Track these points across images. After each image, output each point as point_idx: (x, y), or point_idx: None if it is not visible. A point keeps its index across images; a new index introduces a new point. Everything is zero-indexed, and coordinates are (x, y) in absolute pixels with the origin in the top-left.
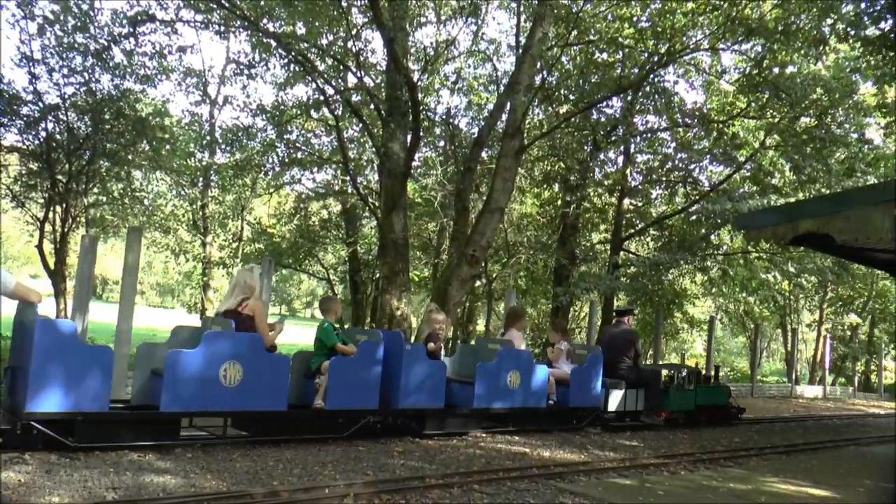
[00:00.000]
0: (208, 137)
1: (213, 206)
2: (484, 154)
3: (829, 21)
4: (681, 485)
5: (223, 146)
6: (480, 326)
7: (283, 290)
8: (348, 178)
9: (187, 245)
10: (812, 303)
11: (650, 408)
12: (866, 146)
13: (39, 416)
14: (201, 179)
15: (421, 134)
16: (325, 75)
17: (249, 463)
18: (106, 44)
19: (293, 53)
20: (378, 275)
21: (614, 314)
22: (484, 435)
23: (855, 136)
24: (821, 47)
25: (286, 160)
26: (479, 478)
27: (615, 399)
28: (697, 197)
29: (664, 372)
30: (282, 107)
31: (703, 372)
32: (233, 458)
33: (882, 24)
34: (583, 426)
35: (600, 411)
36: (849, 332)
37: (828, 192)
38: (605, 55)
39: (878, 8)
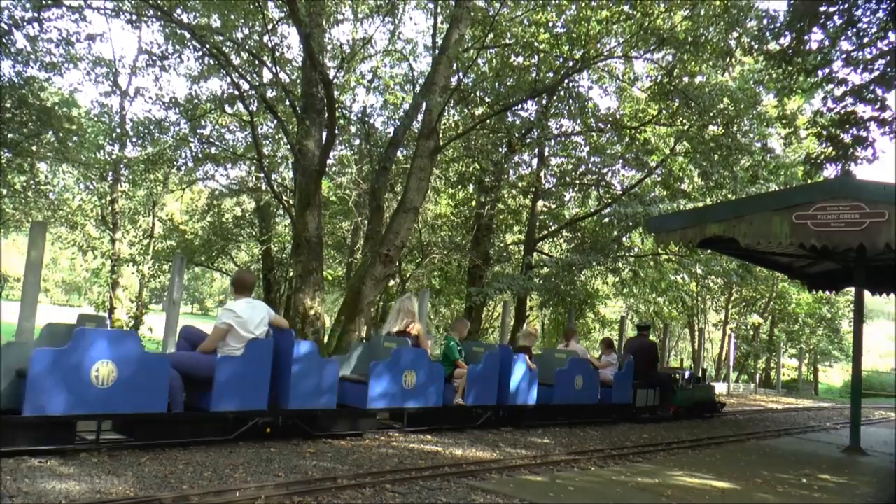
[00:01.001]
0: (118, 130)
1: (123, 201)
2: (399, 154)
3: (736, 34)
4: (591, 480)
5: (134, 139)
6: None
7: (194, 289)
8: (262, 175)
9: (95, 241)
10: (718, 303)
11: (664, 403)
12: (769, 155)
13: None
14: (111, 173)
15: (336, 132)
16: (240, 70)
17: (158, 467)
18: (7, 28)
19: (207, 46)
20: (291, 273)
21: (636, 329)
22: (397, 434)
23: (758, 144)
24: (728, 59)
25: (199, 155)
26: (392, 477)
27: (641, 397)
28: (610, 200)
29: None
30: (195, 100)
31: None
32: (141, 461)
33: (782, 40)
34: (618, 419)
35: (633, 407)
36: (751, 332)
37: (733, 197)
38: (520, 59)
39: (779, 25)
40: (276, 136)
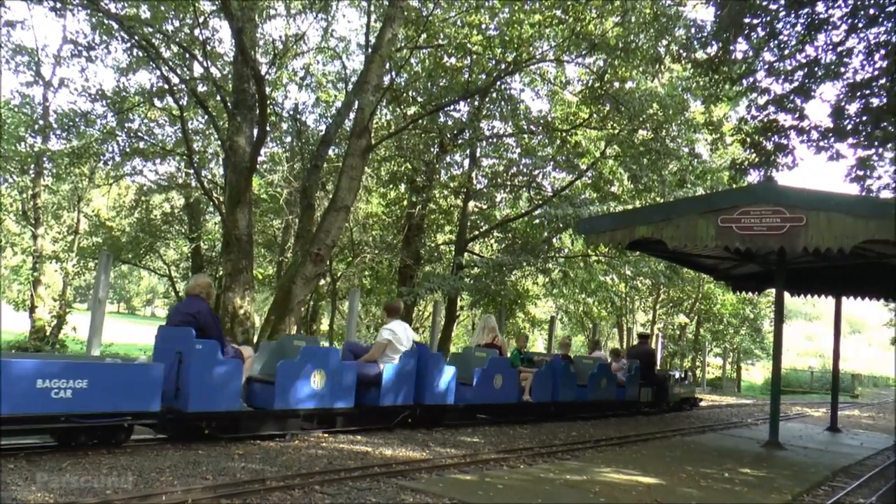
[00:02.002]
0: (41, 122)
1: (46, 195)
2: (331, 152)
3: (665, 42)
4: (519, 478)
5: (58, 132)
6: (324, 325)
7: (121, 287)
8: (192, 171)
9: (15, 237)
10: (646, 304)
11: (661, 399)
12: (696, 160)
13: None
14: (33, 166)
15: (268, 129)
16: (170, 63)
17: (81, 472)
18: None
19: (136, 38)
20: (221, 272)
21: (638, 337)
22: (326, 435)
23: (686, 150)
24: (657, 66)
25: (127, 150)
26: (321, 478)
27: (643, 394)
28: (540, 201)
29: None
30: (123, 93)
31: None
32: (62, 466)
33: (709, 49)
34: (631, 413)
35: (638, 403)
36: (678, 331)
37: (661, 201)
38: (453, 60)
39: (706, 34)
40: (207, 132)
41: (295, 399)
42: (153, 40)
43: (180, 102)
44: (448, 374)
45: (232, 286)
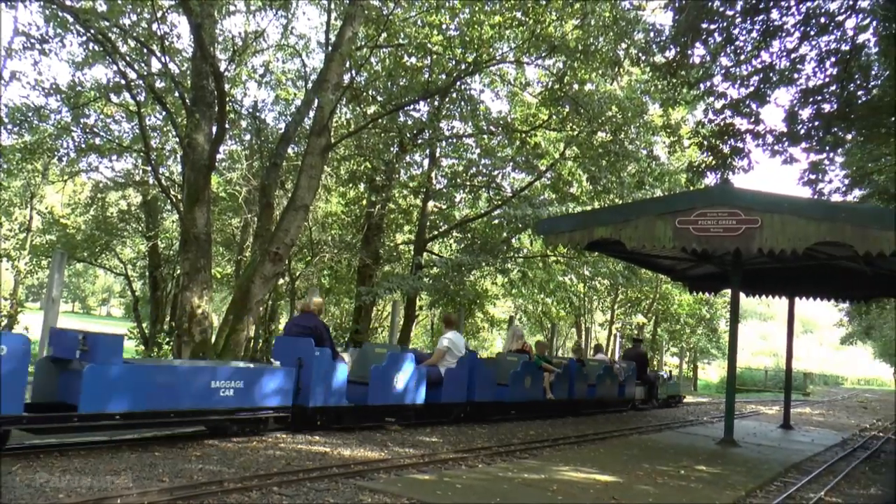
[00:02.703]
0: None
1: None
2: (290, 150)
3: (624, 46)
4: (478, 477)
5: (10, 126)
6: (282, 325)
7: (76, 286)
8: (150, 168)
9: None
10: (604, 304)
11: (652, 397)
12: (654, 162)
13: None
14: None
15: (227, 126)
16: (128, 58)
17: (32, 475)
18: None
19: (92, 31)
20: (179, 271)
21: (633, 341)
22: (285, 436)
23: (644, 152)
24: (616, 69)
25: (82, 146)
26: (279, 479)
27: (638, 392)
28: (500, 202)
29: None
30: (79, 88)
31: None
32: (11, 470)
33: (667, 53)
34: (628, 408)
35: (636, 399)
36: (636, 331)
37: (620, 202)
38: (413, 59)
39: (665, 38)
40: (165, 129)
41: (383, 396)
42: (110, 34)
43: (138, 98)
44: (491, 376)
45: (190, 285)
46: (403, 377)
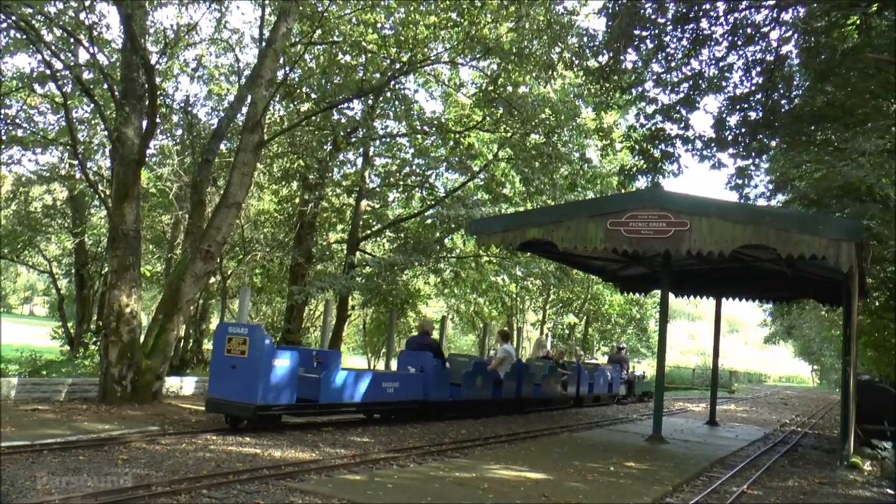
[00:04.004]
0: None
1: None
2: (223, 147)
3: (558, 49)
4: (409, 477)
5: None
6: (213, 325)
7: None
8: (76, 162)
9: None
10: (536, 304)
11: (631, 393)
12: (586, 165)
13: None
14: None
15: (158, 120)
16: (53, 47)
17: None
18: None
19: (14, 18)
20: (107, 269)
21: (617, 348)
22: (215, 437)
23: (577, 154)
24: (549, 72)
25: (3, 137)
26: (209, 482)
27: (621, 389)
28: (433, 202)
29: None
30: None
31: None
32: None
33: (601, 58)
34: (614, 402)
35: (620, 395)
36: (567, 331)
37: (553, 203)
38: (348, 57)
39: (598, 43)
40: (93, 122)
41: (471, 393)
42: (33, 22)
43: (64, 89)
44: (531, 378)
45: (118, 284)
46: (482, 379)
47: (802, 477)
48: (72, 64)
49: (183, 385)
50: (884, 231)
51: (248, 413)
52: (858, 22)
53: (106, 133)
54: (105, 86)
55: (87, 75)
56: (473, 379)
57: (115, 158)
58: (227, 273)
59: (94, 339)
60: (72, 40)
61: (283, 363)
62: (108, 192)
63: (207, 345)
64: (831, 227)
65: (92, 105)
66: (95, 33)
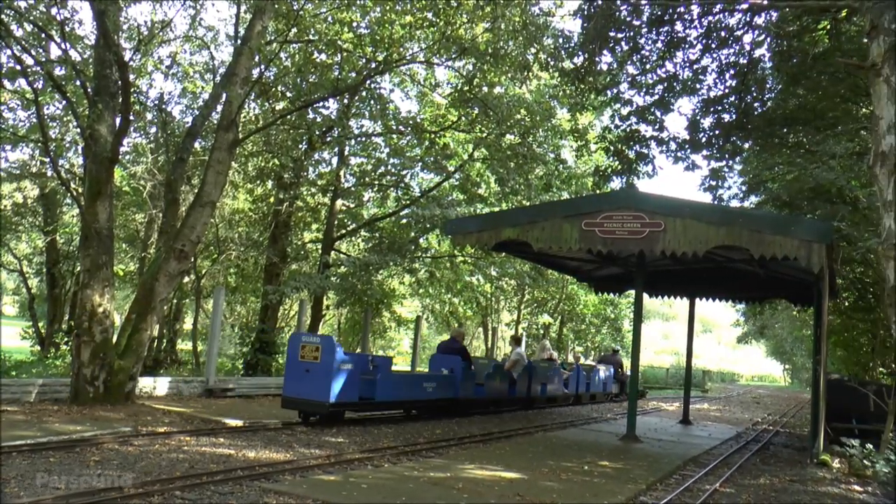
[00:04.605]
0: None
1: None
2: (197, 145)
3: (533, 50)
4: (384, 477)
5: None
6: (188, 324)
7: None
8: (48, 159)
9: None
10: (511, 304)
11: (623, 391)
12: (561, 165)
13: None
14: None
15: (131, 118)
16: (24, 42)
17: None
18: None
19: None
20: (79, 268)
21: (612, 350)
22: (188, 438)
23: (552, 155)
24: (525, 73)
25: None
26: (182, 483)
27: (614, 388)
28: (408, 202)
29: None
30: None
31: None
32: None
33: (576, 59)
34: (607, 399)
35: (613, 393)
36: (542, 331)
37: (528, 204)
38: (323, 56)
39: (573, 45)
40: (65, 119)
41: (493, 392)
42: (2, 17)
43: (35, 86)
44: (539, 378)
45: (91, 283)
46: (500, 379)
47: (773, 475)
48: (43, 60)
49: (156, 385)
50: (853, 232)
51: (322, 409)
52: (829, 27)
53: (78, 130)
54: (77, 82)
55: (59, 71)
56: (494, 379)
57: (88, 156)
58: (201, 272)
59: (66, 338)
60: (43, 36)
61: (348, 367)
62: (80, 189)
63: (181, 345)
64: (803, 229)
65: (64, 102)
66: (68, 29)
